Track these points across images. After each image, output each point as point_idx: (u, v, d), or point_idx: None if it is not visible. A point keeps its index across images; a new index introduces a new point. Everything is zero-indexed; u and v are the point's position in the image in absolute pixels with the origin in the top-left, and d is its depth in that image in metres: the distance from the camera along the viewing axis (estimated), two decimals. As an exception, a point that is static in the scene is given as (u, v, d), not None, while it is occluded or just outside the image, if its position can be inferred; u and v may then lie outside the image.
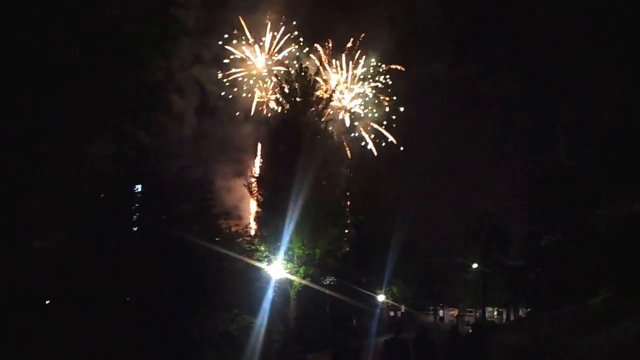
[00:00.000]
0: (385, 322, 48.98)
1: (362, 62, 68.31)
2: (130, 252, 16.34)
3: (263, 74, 66.17)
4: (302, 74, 31.42)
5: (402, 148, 68.36)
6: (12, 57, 9.71)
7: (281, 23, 65.24)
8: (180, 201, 20.70)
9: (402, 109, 68.55)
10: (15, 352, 13.19)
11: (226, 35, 64.76)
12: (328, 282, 35.98)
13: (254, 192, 30.88)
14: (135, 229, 19.16)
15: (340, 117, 67.04)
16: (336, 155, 32.31)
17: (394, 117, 68.93)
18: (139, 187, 19.64)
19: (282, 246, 28.53)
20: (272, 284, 27.83)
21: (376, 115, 68.94)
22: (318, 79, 36.07)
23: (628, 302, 21.26)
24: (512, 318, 57.19)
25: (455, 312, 69.64)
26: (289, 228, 28.12)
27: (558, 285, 30.65)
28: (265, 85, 65.90)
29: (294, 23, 65.50)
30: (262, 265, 27.73)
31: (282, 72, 51.76)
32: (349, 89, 68.88)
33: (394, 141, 68.12)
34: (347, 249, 34.82)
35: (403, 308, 60.40)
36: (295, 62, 43.57)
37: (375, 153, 65.71)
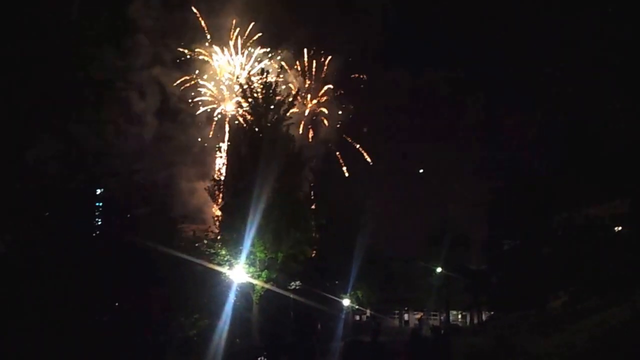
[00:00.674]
0: (350, 326, 49.06)
1: (325, 67, 68.70)
2: (80, 255, 15.84)
3: (225, 76, 65.85)
4: (264, 76, 31.17)
5: (370, 162, 69.01)
6: None
7: (245, 26, 65.13)
8: (133, 204, 20.17)
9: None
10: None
11: (187, 37, 64.38)
12: (294, 286, 35.73)
13: (215, 195, 30.49)
14: (85, 232, 18.63)
15: (303, 121, 67.11)
16: (298, 159, 32.05)
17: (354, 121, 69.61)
18: (98, 191, 19.16)
19: (244, 250, 28.21)
20: (234, 288, 27.42)
21: (340, 121, 69.46)
22: (280, 82, 35.90)
23: (586, 304, 21.64)
24: (475, 321, 57.90)
25: (419, 316, 70.10)
26: (250, 232, 27.83)
27: (519, 289, 31.08)
28: (226, 88, 65.60)
29: (251, 26, 65.35)
30: (223, 269, 27.30)
31: (242, 74, 51.55)
32: (313, 94, 69.15)
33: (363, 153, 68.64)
34: (313, 254, 34.64)
35: (368, 312, 60.56)
36: (257, 64, 43.37)
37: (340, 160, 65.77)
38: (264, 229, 28.47)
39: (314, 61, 69.10)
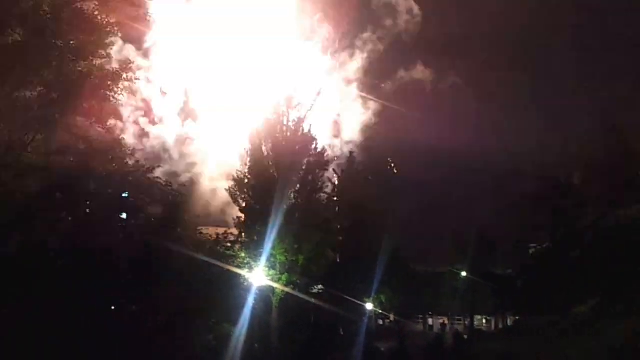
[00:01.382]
0: (373, 332, 48.37)
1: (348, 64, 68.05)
2: (94, 256, 15.70)
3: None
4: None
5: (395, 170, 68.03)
6: None
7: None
8: (152, 205, 20.01)
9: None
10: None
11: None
12: (315, 290, 35.28)
13: (236, 196, 30.19)
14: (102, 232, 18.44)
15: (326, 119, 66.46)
16: (321, 159, 31.48)
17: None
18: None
19: (264, 252, 27.89)
20: (253, 291, 27.08)
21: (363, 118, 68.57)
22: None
23: (613, 309, 20.99)
24: (500, 325, 57.04)
25: (444, 320, 69.24)
26: (271, 234, 27.51)
27: (545, 293, 30.41)
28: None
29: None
30: (243, 272, 26.99)
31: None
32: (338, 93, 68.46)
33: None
34: (336, 257, 34.08)
35: (392, 316, 59.89)
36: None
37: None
38: (284, 231, 28.13)
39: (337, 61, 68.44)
